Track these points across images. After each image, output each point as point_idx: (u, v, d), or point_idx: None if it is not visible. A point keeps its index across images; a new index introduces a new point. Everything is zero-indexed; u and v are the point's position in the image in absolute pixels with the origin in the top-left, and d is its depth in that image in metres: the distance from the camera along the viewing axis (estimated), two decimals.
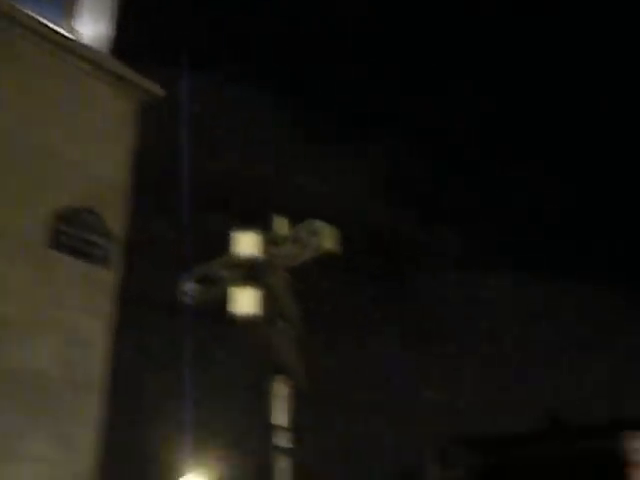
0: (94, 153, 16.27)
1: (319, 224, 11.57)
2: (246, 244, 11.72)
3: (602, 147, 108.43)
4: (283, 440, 11.71)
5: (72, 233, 15.35)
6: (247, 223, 11.86)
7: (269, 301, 11.62)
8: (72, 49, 16.30)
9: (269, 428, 11.75)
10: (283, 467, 11.59)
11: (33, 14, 15.65)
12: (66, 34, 16.43)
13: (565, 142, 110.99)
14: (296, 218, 11.85)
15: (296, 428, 11.81)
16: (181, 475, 30.07)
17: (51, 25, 16.06)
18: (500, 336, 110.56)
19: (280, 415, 11.78)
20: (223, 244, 11.94)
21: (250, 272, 11.65)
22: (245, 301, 11.58)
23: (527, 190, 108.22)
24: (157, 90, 17.39)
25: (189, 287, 12.61)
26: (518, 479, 68.38)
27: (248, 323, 11.59)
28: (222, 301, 11.76)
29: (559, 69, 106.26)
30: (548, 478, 67.26)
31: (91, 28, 17.22)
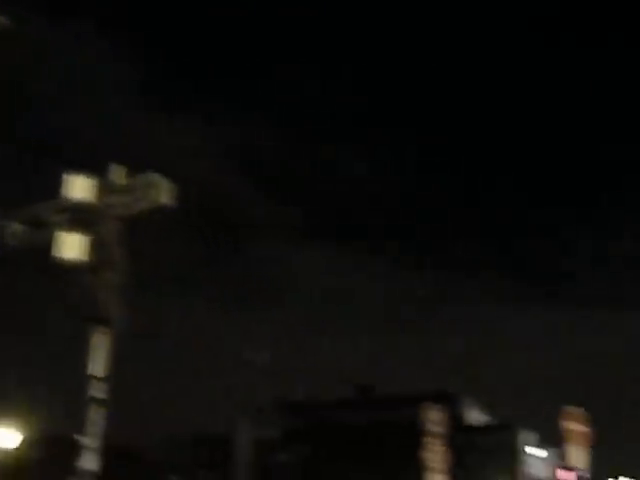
0: None
1: (157, 177, 11.39)
2: (79, 189, 11.36)
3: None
4: (98, 391, 11.52)
5: None
6: (83, 168, 11.51)
7: (96, 248, 11.34)
8: None
9: (85, 378, 11.51)
10: (96, 417, 11.43)
11: None
12: None
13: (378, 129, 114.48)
14: (135, 169, 11.58)
15: (112, 380, 11.64)
16: None
17: None
18: (321, 307, 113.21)
19: (97, 366, 11.58)
20: (55, 186, 11.51)
21: (80, 217, 11.32)
22: (72, 246, 11.25)
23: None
24: (2, 22, 16.28)
25: (13, 228, 12.07)
26: (329, 443, 71.05)
27: (73, 269, 11.29)
28: (48, 244, 11.38)
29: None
30: (355, 443, 70.27)
31: None
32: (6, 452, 29.83)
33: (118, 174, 11.54)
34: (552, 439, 66.90)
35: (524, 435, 73.68)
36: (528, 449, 73.76)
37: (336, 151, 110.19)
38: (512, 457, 71.45)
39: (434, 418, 18.74)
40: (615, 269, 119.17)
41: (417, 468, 20.53)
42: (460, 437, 44.02)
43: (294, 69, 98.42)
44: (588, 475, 17.23)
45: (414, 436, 22.05)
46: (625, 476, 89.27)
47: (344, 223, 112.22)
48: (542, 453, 73.53)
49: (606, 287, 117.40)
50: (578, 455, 17.58)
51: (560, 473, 21.30)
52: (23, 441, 30.45)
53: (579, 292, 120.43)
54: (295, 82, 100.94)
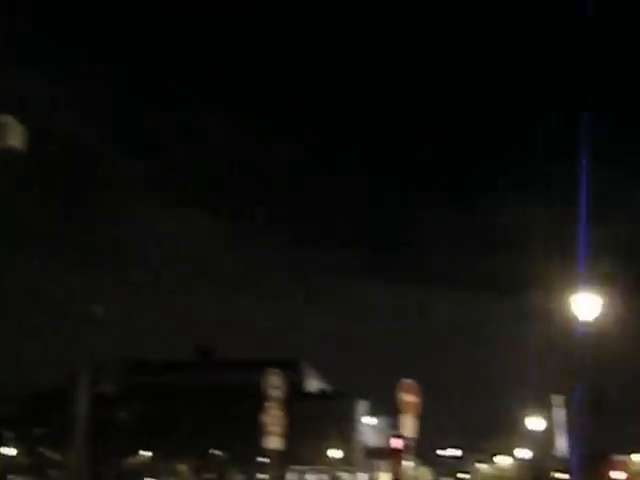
0: None
1: (8, 119, 10.89)
2: None
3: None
4: None
5: None
6: None
7: None
8: None
9: None
10: None
11: None
12: None
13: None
14: None
15: None
16: None
17: None
18: (172, 269, 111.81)
19: None
20: None
21: None
22: None
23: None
24: None
25: None
26: (168, 403, 70.83)
27: None
28: None
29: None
30: (195, 404, 70.43)
31: None
32: None
33: None
34: (385, 409, 69.97)
35: (359, 404, 76.37)
36: (363, 418, 76.56)
37: (199, 115, 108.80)
38: (348, 425, 74.01)
39: (274, 383, 19.07)
40: (450, 251, 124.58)
41: (255, 432, 20.85)
42: (298, 404, 45.09)
43: (156, 20, 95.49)
44: (413, 443, 18.19)
45: (253, 400, 22.35)
46: (452, 447, 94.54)
47: (205, 188, 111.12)
48: (375, 422, 76.60)
49: (441, 268, 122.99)
50: (409, 424, 18.46)
51: (392, 441, 22.38)
52: None
53: (418, 270, 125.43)
54: (160, 36, 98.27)
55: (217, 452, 69.29)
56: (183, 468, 67.08)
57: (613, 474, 37.83)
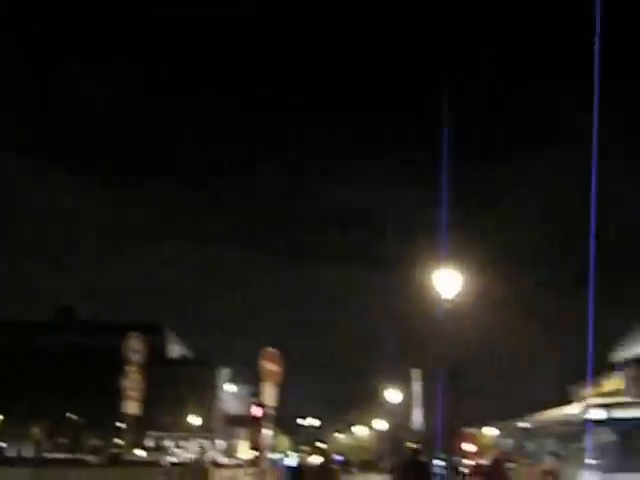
0: None
1: None
2: None
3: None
4: None
5: None
6: None
7: None
8: None
9: None
10: None
11: None
12: None
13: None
14: None
15: None
16: None
17: None
18: (39, 227, 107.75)
19: None
20: None
21: None
22: None
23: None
24: None
25: None
26: (20, 363, 68.42)
27: None
28: None
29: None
30: (50, 366, 68.35)
31: None
32: None
33: None
34: (246, 376, 70.23)
35: (221, 371, 76.32)
36: (223, 385, 76.59)
37: (80, 70, 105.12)
38: (208, 392, 73.83)
39: (134, 347, 18.59)
40: (321, 224, 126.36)
41: (113, 396, 20.36)
42: (159, 369, 44.60)
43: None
44: (273, 412, 18.18)
45: (112, 364, 21.80)
46: (312, 416, 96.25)
47: (75, 144, 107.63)
48: (236, 389, 76.84)
49: (311, 240, 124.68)
50: (269, 393, 18.40)
51: (252, 409, 22.40)
52: None
53: (288, 240, 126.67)
54: None
55: (72, 416, 67.57)
56: (36, 431, 64.97)
57: (464, 446, 39.37)
